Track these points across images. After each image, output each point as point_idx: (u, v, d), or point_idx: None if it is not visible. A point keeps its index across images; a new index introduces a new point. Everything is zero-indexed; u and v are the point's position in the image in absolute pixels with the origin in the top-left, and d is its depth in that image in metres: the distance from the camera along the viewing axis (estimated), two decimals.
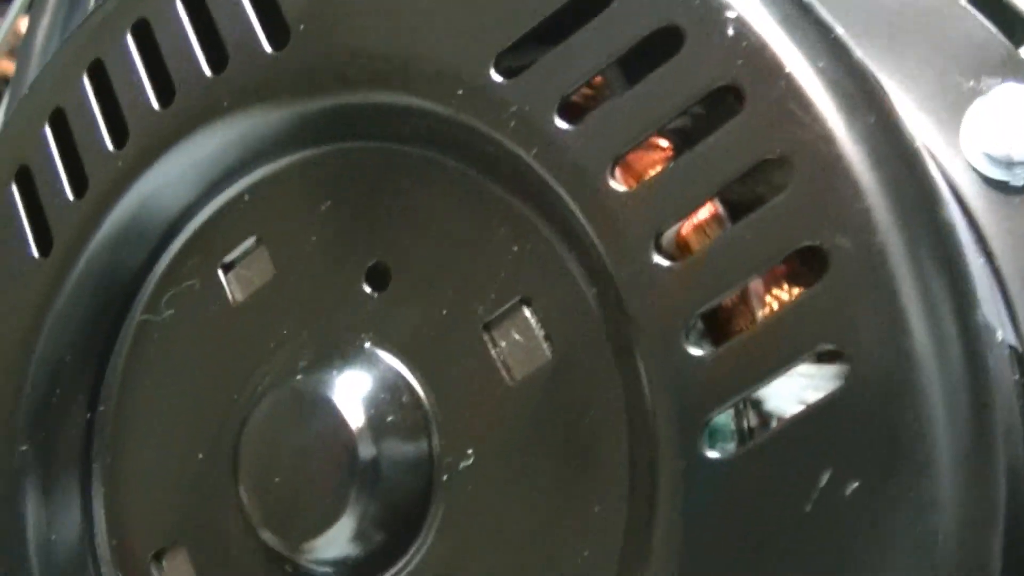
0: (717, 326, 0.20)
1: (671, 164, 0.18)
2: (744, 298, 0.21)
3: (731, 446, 0.19)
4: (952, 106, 0.25)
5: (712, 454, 0.18)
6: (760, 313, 0.20)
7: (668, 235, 0.19)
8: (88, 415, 0.24)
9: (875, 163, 0.18)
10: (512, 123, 0.19)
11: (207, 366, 0.23)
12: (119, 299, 0.24)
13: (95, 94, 0.23)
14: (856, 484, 0.17)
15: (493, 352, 0.20)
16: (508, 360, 0.20)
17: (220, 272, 0.23)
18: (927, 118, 0.25)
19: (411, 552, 0.20)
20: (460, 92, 0.20)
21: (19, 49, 0.30)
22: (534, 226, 0.20)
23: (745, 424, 0.20)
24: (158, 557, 0.23)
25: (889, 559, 0.17)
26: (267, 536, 0.21)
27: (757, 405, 0.20)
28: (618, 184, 0.19)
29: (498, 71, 0.19)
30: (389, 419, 0.20)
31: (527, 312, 0.20)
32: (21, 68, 0.29)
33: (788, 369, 0.17)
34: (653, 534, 0.18)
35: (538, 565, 0.19)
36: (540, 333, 0.20)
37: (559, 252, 0.20)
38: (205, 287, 0.23)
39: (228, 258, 0.23)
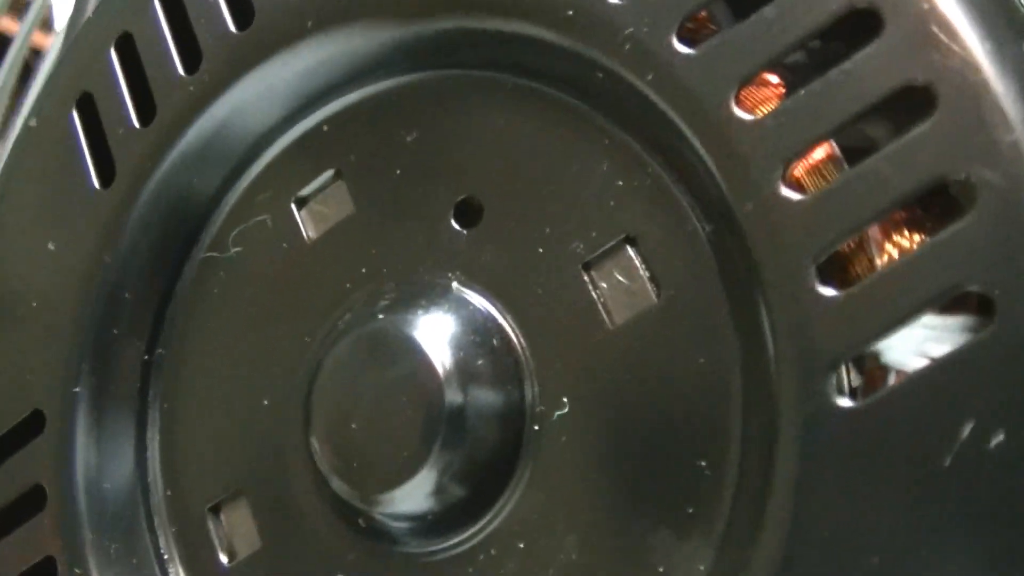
0: (831, 274, 0.19)
1: (803, 90, 0.17)
2: (862, 244, 0.19)
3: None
4: None
5: (843, 401, 0.16)
6: (879, 262, 0.19)
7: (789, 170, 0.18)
8: (146, 357, 0.22)
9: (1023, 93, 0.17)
10: (626, 47, 0.18)
11: (276, 307, 0.21)
12: (183, 235, 0.22)
13: (166, 17, 0.22)
14: (1001, 436, 0.16)
15: (593, 294, 0.19)
16: (609, 303, 0.19)
17: (294, 207, 0.21)
18: None
19: (495, 509, 0.19)
20: (570, 13, 0.18)
21: None
22: (642, 159, 0.19)
23: (846, 384, 0.19)
24: (215, 510, 0.22)
25: None
26: (339, 486, 0.19)
27: (863, 362, 0.19)
28: (743, 113, 0.17)
29: None
30: (479, 363, 0.19)
31: (631, 251, 0.19)
32: (79, 9, 0.28)
33: (931, 308, 0.16)
34: (768, 489, 0.17)
35: (636, 524, 0.18)
36: (645, 274, 0.19)
37: (669, 187, 0.18)
38: (277, 223, 0.21)
39: (303, 192, 0.21)
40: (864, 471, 0.16)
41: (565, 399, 0.19)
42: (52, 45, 0.42)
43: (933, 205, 0.19)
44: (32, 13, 0.50)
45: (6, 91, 0.50)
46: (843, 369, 0.18)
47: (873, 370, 0.19)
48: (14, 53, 0.50)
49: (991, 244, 0.16)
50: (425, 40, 0.20)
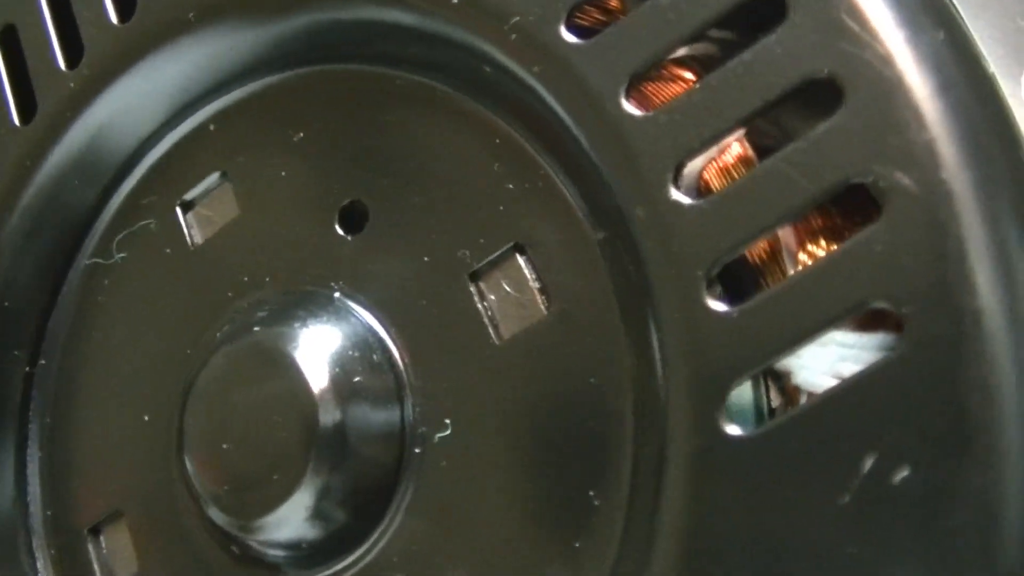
0: (741, 286, 0.17)
1: (698, 84, 0.15)
2: (775, 254, 0.18)
3: (749, 425, 0.16)
4: (1014, 54, 0.22)
5: (733, 430, 0.15)
6: (792, 272, 0.18)
7: (689, 176, 0.17)
8: (27, 369, 0.21)
9: (942, 88, 0.15)
10: (512, 36, 0.16)
11: (160, 317, 0.20)
12: (67, 240, 0.21)
13: (49, 8, 0.21)
14: (906, 472, 0.14)
15: (480, 306, 0.17)
16: (496, 316, 0.17)
17: (179, 211, 0.20)
18: (985, 41, 0.22)
19: (374, 536, 0.18)
20: (454, 1, 0.17)
21: None
22: (533, 160, 0.17)
23: (765, 402, 0.17)
24: (96, 531, 0.20)
25: (942, 563, 0.14)
26: (213, 512, 0.18)
27: (780, 380, 0.17)
28: (634, 108, 0.16)
29: None
30: (356, 380, 0.17)
31: (521, 260, 0.17)
32: None
33: (832, 329, 0.14)
34: (657, 524, 0.15)
35: (520, 556, 0.17)
36: (535, 285, 0.17)
37: (562, 190, 0.17)
38: (162, 227, 0.20)
39: (188, 196, 0.20)
40: (757, 508, 0.15)
41: (448, 420, 0.17)
42: None
43: (855, 211, 0.18)
44: None
45: None
46: (749, 391, 0.16)
47: (789, 390, 0.17)
48: None
49: (900, 256, 0.14)
50: (309, 32, 0.19)
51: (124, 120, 0.20)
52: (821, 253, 0.18)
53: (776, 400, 0.17)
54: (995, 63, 0.20)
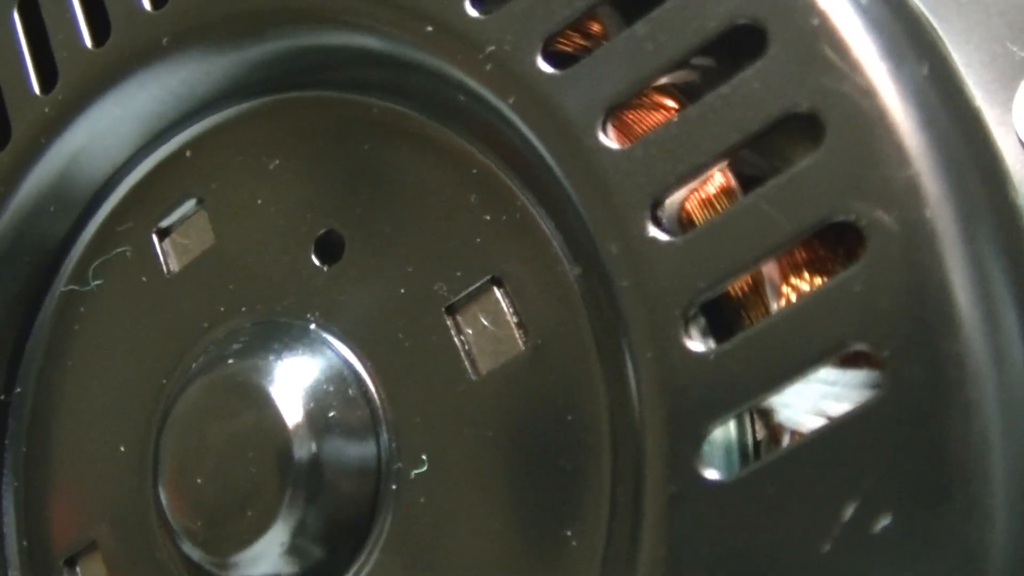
0: (723, 322, 0.17)
1: (675, 118, 0.15)
2: (757, 288, 0.17)
3: (733, 462, 0.16)
4: (1002, 78, 0.21)
5: (710, 475, 0.14)
6: (775, 305, 0.17)
7: (670, 207, 0.16)
8: (2, 397, 0.21)
9: (925, 123, 0.14)
10: (488, 66, 0.16)
11: (135, 346, 0.20)
12: (42, 266, 0.21)
13: (25, 32, 0.20)
14: (887, 520, 0.14)
15: (456, 340, 0.17)
16: (473, 350, 0.17)
17: (155, 238, 0.20)
18: (975, 89, 0.21)
19: (351, 573, 0.17)
20: (429, 29, 0.17)
21: None
22: (511, 192, 0.17)
23: (749, 438, 0.17)
24: (71, 563, 0.20)
25: None
26: (187, 547, 0.18)
27: (765, 415, 0.17)
28: (610, 142, 0.15)
29: (473, 5, 0.16)
30: (332, 415, 0.17)
31: (498, 294, 0.17)
32: None
33: (810, 372, 0.14)
34: (635, 568, 0.15)
35: None
36: (512, 319, 0.17)
37: (539, 223, 0.16)
38: (138, 255, 0.20)
39: (164, 223, 0.20)
40: (735, 554, 0.14)
41: (424, 456, 0.17)
42: None
43: (841, 243, 0.18)
44: None
45: None
46: (732, 429, 0.16)
47: (774, 428, 0.17)
48: None
49: (880, 298, 0.14)
50: (284, 58, 0.18)
51: (99, 146, 0.20)
52: (804, 286, 0.17)
53: (761, 432, 0.17)
54: (983, 88, 0.20)
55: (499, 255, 0.17)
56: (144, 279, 0.20)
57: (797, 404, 0.16)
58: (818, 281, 0.17)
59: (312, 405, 0.17)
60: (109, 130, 0.20)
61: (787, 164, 0.16)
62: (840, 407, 0.15)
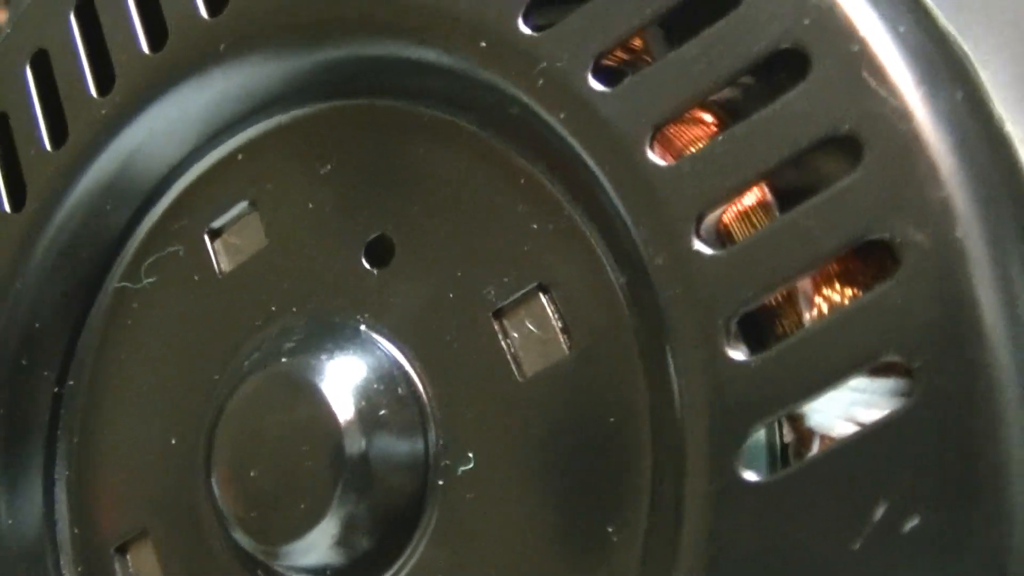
0: (758, 329, 0.18)
1: (721, 136, 0.16)
2: (790, 298, 0.18)
3: (762, 463, 0.17)
4: None
5: (749, 476, 0.15)
6: (808, 316, 0.18)
7: (710, 221, 0.17)
8: (56, 389, 0.22)
9: (958, 146, 0.15)
10: (540, 82, 0.17)
11: (187, 341, 0.20)
12: (96, 263, 0.21)
13: (82, 35, 0.21)
14: (916, 520, 0.14)
15: (503, 343, 0.18)
16: (519, 353, 0.18)
17: (207, 238, 0.21)
18: (1003, 107, 0.22)
19: (398, 564, 0.18)
20: (483, 45, 0.17)
21: None
22: (558, 202, 0.18)
23: (778, 439, 0.18)
24: (122, 550, 0.21)
25: None
26: (239, 536, 0.19)
27: (795, 419, 0.18)
28: (657, 158, 0.16)
29: (527, 23, 0.17)
30: (382, 412, 0.18)
31: (544, 300, 0.18)
32: (13, 10, 0.27)
33: (844, 381, 0.15)
34: (674, 563, 0.16)
35: None
36: (558, 324, 0.17)
37: (585, 233, 0.17)
38: (190, 254, 0.21)
39: (217, 223, 0.21)
40: (771, 551, 0.15)
41: (471, 454, 0.18)
42: None
43: (871, 257, 0.18)
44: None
45: None
46: (762, 432, 0.17)
47: (802, 430, 0.18)
48: None
49: (913, 312, 0.15)
50: (339, 66, 0.19)
51: (154, 147, 0.21)
52: (836, 297, 0.18)
53: (788, 436, 0.18)
54: (1012, 106, 0.21)
55: (546, 263, 0.17)
56: (196, 277, 0.20)
57: (828, 410, 0.17)
58: (849, 292, 0.18)
59: (363, 403, 0.18)
60: (164, 132, 0.21)
61: (819, 178, 0.17)
62: (869, 413, 0.16)
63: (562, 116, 0.17)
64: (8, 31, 0.22)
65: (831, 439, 0.17)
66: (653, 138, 0.16)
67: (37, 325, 0.21)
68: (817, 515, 0.15)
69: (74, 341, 0.22)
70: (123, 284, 0.21)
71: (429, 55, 0.18)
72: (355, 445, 0.18)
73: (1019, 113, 0.19)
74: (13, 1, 0.29)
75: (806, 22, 0.16)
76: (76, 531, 0.21)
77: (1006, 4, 0.20)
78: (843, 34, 0.15)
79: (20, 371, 0.21)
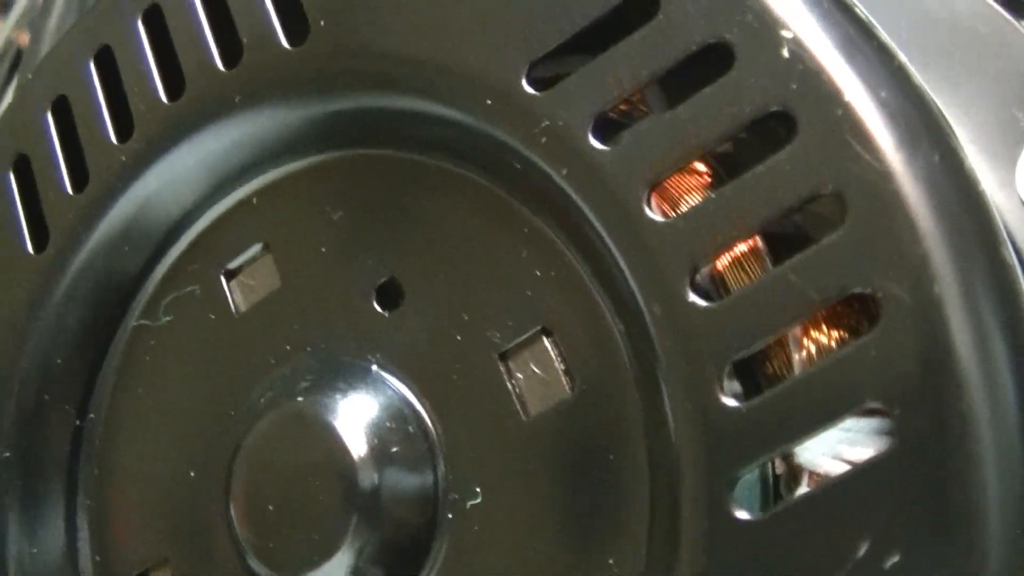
0: (748, 368, 0.19)
1: (713, 195, 0.17)
2: (780, 340, 0.19)
3: (755, 494, 0.18)
4: (1008, 142, 0.23)
5: (740, 514, 0.16)
6: (796, 356, 0.19)
7: (700, 273, 0.18)
8: (76, 423, 0.22)
9: (936, 206, 0.16)
10: (543, 139, 0.18)
11: (204, 377, 0.21)
12: (115, 301, 0.22)
13: (101, 83, 0.22)
14: (896, 557, 0.16)
15: (508, 384, 0.19)
16: (524, 393, 0.19)
17: (223, 279, 0.22)
18: (980, 153, 0.23)
19: None
20: (489, 102, 0.18)
21: (31, 30, 0.29)
22: (560, 251, 0.19)
23: (770, 472, 0.19)
24: None
25: None
26: (257, 566, 0.19)
27: (786, 455, 0.19)
28: (654, 213, 0.17)
29: (530, 82, 0.18)
30: (393, 449, 0.19)
31: (547, 343, 0.19)
32: (33, 50, 0.28)
33: (829, 427, 0.16)
34: None
35: None
36: (560, 367, 0.18)
37: (585, 281, 0.18)
38: (206, 294, 0.21)
39: (232, 264, 0.21)
40: None
41: (478, 488, 0.19)
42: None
43: (856, 299, 0.19)
44: (16, 11, 0.50)
45: None
46: (746, 477, 0.18)
47: (792, 466, 0.19)
48: None
49: (893, 362, 0.16)
50: (350, 118, 0.20)
51: (171, 191, 0.22)
52: (823, 339, 0.19)
53: (780, 468, 0.19)
54: (990, 152, 0.22)
55: (548, 308, 0.18)
56: (213, 316, 0.21)
57: (815, 448, 0.18)
58: (835, 334, 0.19)
59: (375, 440, 0.19)
60: (181, 177, 0.21)
61: (805, 223, 0.18)
62: (854, 451, 0.17)
63: (564, 172, 0.18)
64: (29, 77, 0.23)
65: (819, 475, 0.18)
66: (651, 193, 0.17)
67: (59, 361, 0.22)
68: (804, 551, 0.16)
69: (94, 377, 0.22)
70: (142, 322, 0.22)
71: (437, 110, 0.19)
72: (368, 480, 0.19)
73: (991, 170, 0.20)
74: (31, 35, 0.29)
75: (793, 87, 0.17)
76: (97, 559, 0.22)
77: (980, 63, 0.22)
78: (828, 99, 0.16)
79: (43, 406, 0.22)
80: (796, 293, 0.16)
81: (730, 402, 0.16)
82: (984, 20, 0.22)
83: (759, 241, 0.20)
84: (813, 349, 0.19)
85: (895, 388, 0.16)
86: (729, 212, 0.17)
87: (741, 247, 0.19)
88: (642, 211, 0.17)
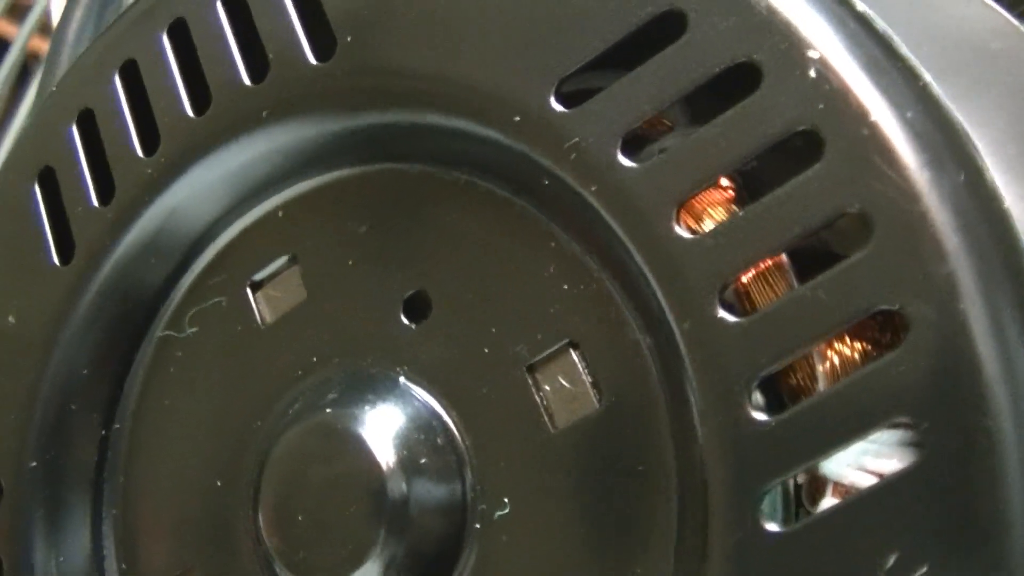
0: (771, 380, 0.19)
1: (741, 212, 0.17)
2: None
3: (777, 504, 0.18)
4: None
5: (770, 527, 0.17)
6: (820, 368, 0.19)
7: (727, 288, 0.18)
8: (102, 432, 0.23)
9: (961, 225, 0.16)
10: (572, 156, 0.18)
11: (230, 389, 0.22)
12: (141, 313, 0.22)
13: (127, 97, 0.22)
14: (924, 568, 0.16)
15: (536, 396, 0.19)
16: (552, 406, 0.19)
17: (249, 291, 0.22)
18: (997, 167, 0.23)
19: None
20: (517, 119, 0.18)
21: (51, 40, 0.29)
22: (587, 266, 0.19)
23: (791, 483, 0.19)
24: None
25: None
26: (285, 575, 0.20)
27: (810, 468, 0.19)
28: (682, 230, 0.17)
29: (559, 99, 0.18)
30: (422, 461, 0.19)
31: (575, 356, 0.19)
32: (52, 60, 0.28)
33: (857, 441, 0.16)
34: None
35: None
36: (588, 380, 0.19)
37: (613, 296, 0.19)
38: (232, 306, 0.22)
39: (258, 276, 0.22)
40: None
41: (506, 499, 0.19)
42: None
43: (877, 313, 0.20)
44: (32, 17, 0.50)
45: (2, 96, 0.50)
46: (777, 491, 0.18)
47: (816, 477, 0.19)
48: (12, 58, 0.50)
49: (920, 378, 0.16)
50: (377, 132, 0.20)
51: (196, 204, 0.22)
52: (847, 351, 0.20)
53: (801, 478, 0.19)
54: (1010, 168, 0.22)
55: (576, 322, 0.19)
56: (239, 328, 0.21)
57: (840, 459, 0.18)
58: (858, 346, 0.20)
59: (404, 451, 0.19)
60: (206, 190, 0.22)
61: (828, 238, 0.18)
62: (879, 463, 0.18)
63: (592, 189, 0.18)
64: (53, 90, 0.23)
65: (843, 486, 0.18)
66: (679, 212, 0.17)
67: (85, 372, 0.22)
68: (833, 563, 0.16)
69: (120, 387, 0.23)
70: (167, 333, 0.22)
71: (465, 126, 0.19)
72: (397, 491, 0.19)
73: (1017, 190, 0.20)
74: (51, 44, 0.29)
75: (820, 106, 0.17)
76: (123, 567, 0.22)
77: (997, 77, 0.22)
78: (855, 119, 0.17)
79: (69, 415, 0.22)
80: (824, 310, 0.17)
81: (759, 416, 0.17)
82: (1001, 36, 0.22)
83: (783, 256, 0.20)
84: (836, 361, 0.19)
85: (922, 403, 0.16)
86: (757, 230, 0.17)
87: (766, 262, 0.20)
88: (671, 228, 0.17)
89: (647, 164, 0.18)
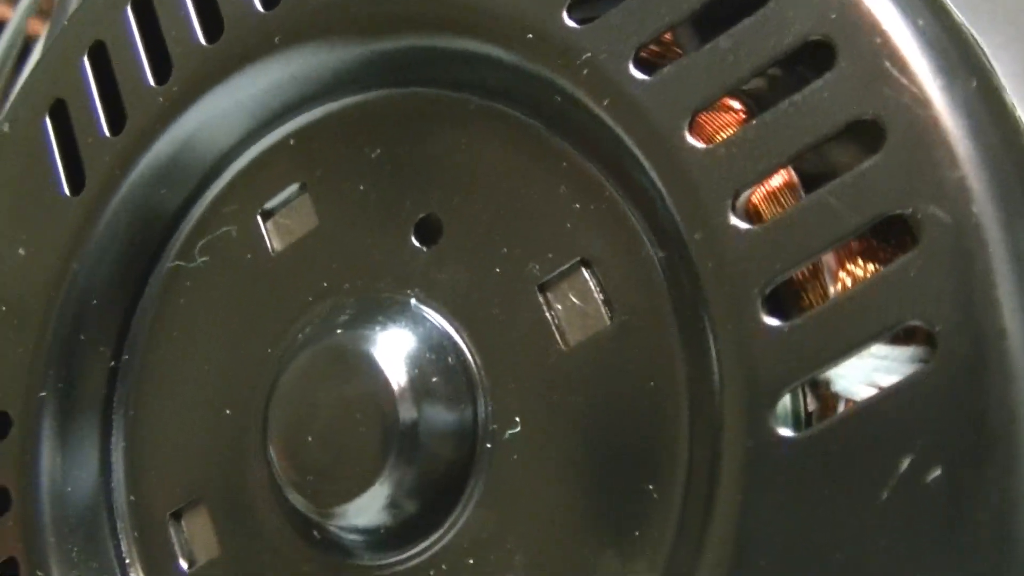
0: (785, 301, 0.19)
1: (755, 120, 0.17)
2: (816, 273, 0.19)
3: (790, 420, 0.18)
4: None
5: (784, 432, 0.16)
6: (833, 289, 0.19)
7: (740, 200, 0.18)
8: (112, 363, 0.23)
9: (973, 131, 0.16)
10: (584, 71, 0.18)
11: (240, 317, 0.22)
12: (151, 243, 0.22)
13: (138, 27, 0.22)
14: (938, 471, 0.16)
15: (547, 315, 0.19)
16: (563, 324, 0.19)
17: (259, 219, 0.22)
18: (1014, 90, 0.23)
19: (447, 524, 0.19)
20: (529, 37, 0.19)
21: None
22: (599, 183, 0.19)
23: (803, 408, 0.19)
24: (177, 516, 0.22)
25: (966, 555, 0.16)
26: (295, 498, 0.20)
27: (819, 386, 0.19)
28: (696, 141, 0.18)
29: (571, 16, 0.18)
30: (433, 380, 0.19)
31: (586, 274, 0.19)
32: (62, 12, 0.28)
33: (873, 343, 0.16)
34: (712, 515, 0.17)
35: (583, 544, 0.18)
36: (599, 297, 0.19)
37: (625, 212, 0.19)
38: (242, 235, 0.22)
39: (268, 205, 0.22)
40: (803, 502, 0.16)
41: (517, 418, 0.19)
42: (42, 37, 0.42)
43: (891, 234, 0.20)
44: (23, 4, 0.50)
45: (2, 76, 0.50)
46: (788, 399, 0.18)
47: (825, 397, 0.19)
48: (8, 39, 0.50)
49: (934, 280, 0.16)
50: (389, 57, 0.20)
51: (208, 133, 0.22)
52: (859, 272, 0.20)
53: (812, 405, 0.19)
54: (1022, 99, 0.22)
55: (587, 240, 0.19)
56: (249, 256, 0.21)
57: (852, 375, 0.18)
58: (871, 267, 0.20)
59: (415, 372, 0.19)
60: (218, 119, 0.22)
61: (839, 162, 0.18)
62: (889, 379, 0.18)
63: (605, 103, 0.18)
64: (65, 24, 0.23)
65: (855, 403, 0.18)
66: (691, 124, 0.18)
67: (94, 302, 0.22)
68: (847, 468, 0.16)
69: (129, 318, 0.23)
70: (177, 263, 0.22)
71: (477, 47, 0.19)
72: (408, 412, 0.19)
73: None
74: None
75: (832, 16, 0.17)
76: (132, 498, 0.22)
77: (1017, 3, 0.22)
78: (867, 28, 0.17)
79: (78, 346, 0.22)
80: (837, 216, 0.16)
81: (773, 322, 0.17)
82: None
83: (794, 176, 0.20)
84: (849, 282, 0.19)
85: (936, 306, 0.16)
86: (771, 138, 0.17)
87: (776, 181, 0.20)
88: (684, 139, 0.17)
89: (660, 75, 0.18)
